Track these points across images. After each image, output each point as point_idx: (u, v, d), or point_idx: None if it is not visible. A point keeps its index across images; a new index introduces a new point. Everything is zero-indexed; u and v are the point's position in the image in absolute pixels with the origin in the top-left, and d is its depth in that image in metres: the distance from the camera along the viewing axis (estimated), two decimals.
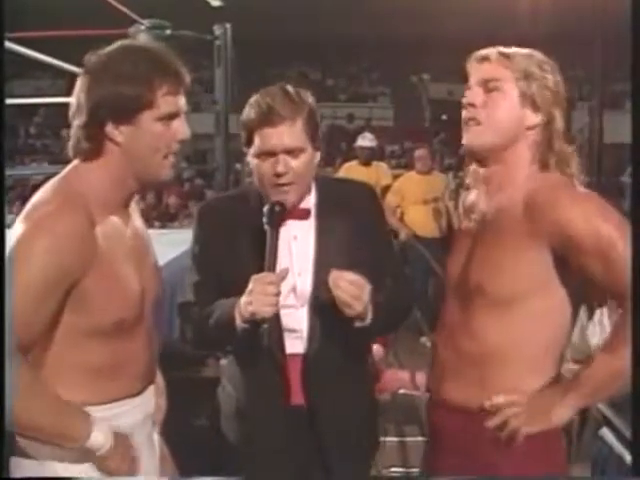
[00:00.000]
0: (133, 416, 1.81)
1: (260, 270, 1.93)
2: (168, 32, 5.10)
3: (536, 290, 1.80)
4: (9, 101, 2.30)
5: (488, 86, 1.84)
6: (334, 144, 17.65)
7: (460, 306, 1.90)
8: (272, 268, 1.93)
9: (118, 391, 1.77)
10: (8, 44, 2.63)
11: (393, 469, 3.93)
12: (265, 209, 2.01)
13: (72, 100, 1.71)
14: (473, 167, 1.94)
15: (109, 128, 1.67)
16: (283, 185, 2.02)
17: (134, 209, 1.89)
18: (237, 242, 2.09)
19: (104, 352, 1.72)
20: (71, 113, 1.71)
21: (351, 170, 7.90)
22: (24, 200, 1.71)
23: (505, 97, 1.83)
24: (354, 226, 2.11)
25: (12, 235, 1.60)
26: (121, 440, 1.73)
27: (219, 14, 8.15)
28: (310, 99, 2.09)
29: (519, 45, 1.89)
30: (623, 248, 1.68)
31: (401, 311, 2.23)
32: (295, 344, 2.10)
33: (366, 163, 7.93)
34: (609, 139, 11.51)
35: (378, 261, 2.12)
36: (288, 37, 20.51)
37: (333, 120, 19.93)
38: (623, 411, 2.43)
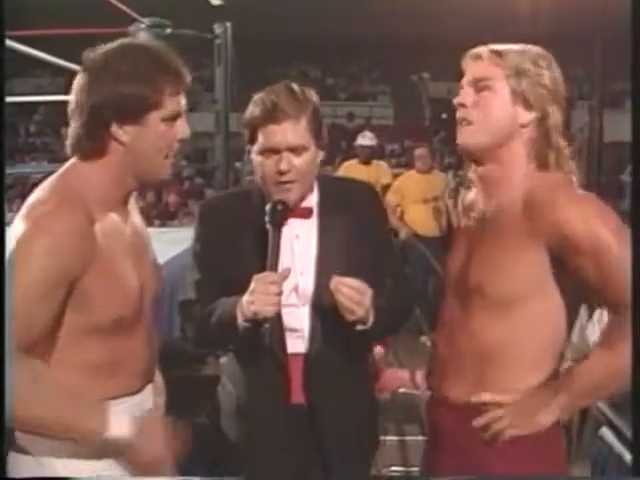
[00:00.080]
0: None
1: (262, 269, 1.93)
2: (168, 31, 5.10)
3: (535, 290, 1.80)
4: (9, 99, 2.30)
5: (479, 85, 1.83)
6: (334, 143, 17.65)
7: (459, 305, 1.90)
8: (274, 267, 1.93)
9: (117, 389, 1.76)
10: (8, 42, 2.63)
11: (393, 468, 3.92)
12: (267, 208, 2.01)
13: (71, 98, 1.70)
14: (473, 166, 1.94)
15: (114, 128, 1.67)
16: (286, 183, 2.02)
17: (133, 206, 1.88)
18: (239, 240, 2.09)
19: (103, 350, 1.72)
20: (70, 111, 1.70)
21: (351, 169, 7.90)
22: (24, 198, 1.71)
23: (496, 96, 1.81)
24: (356, 225, 2.11)
25: (11, 235, 1.59)
26: (149, 425, 1.71)
27: (219, 13, 8.15)
28: (315, 98, 2.08)
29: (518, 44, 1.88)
30: (619, 253, 1.67)
31: (402, 313, 2.23)
32: (296, 343, 2.09)
33: (366, 162, 7.93)
34: (609, 138, 11.51)
35: (379, 261, 2.12)
36: (288, 36, 20.50)
37: (333, 119, 19.93)
38: (623, 411, 2.43)
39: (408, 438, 4.32)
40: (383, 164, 8.64)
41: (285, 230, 2.01)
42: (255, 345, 2.02)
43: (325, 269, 2.02)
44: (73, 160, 1.73)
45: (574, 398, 1.78)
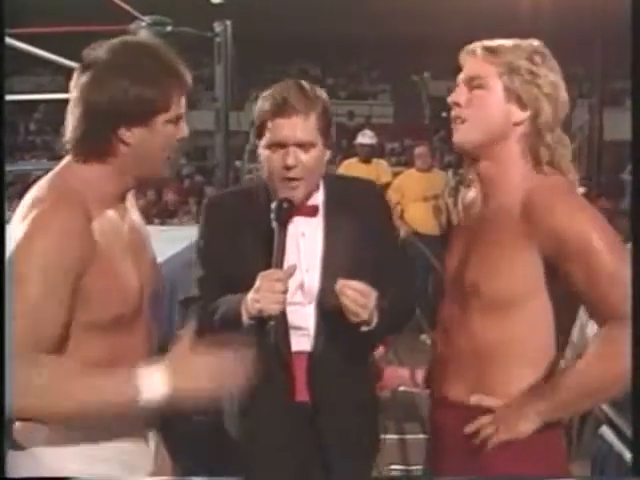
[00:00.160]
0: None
1: (266, 267, 1.92)
2: (168, 29, 5.11)
3: (531, 291, 1.78)
4: (9, 97, 2.29)
5: (472, 84, 1.82)
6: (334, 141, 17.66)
7: (457, 304, 1.89)
8: (280, 265, 1.93)
9: None
10: (8, 40, 2.62)
11: (393, 467, 3.92)
12: (273, 205, 2.01)
13: (72, 96, 1.68)
14: (470, 165, 1.93)
15: (121, 130, 1.66)
16: (292, 180, 2.02)
17: (131, 203, 1.88)
18: (243, 238, 2.09)
19: (102, 347, 1.71)
20: (70, 109, 1.68)
21: (351, 167, 7.90)
22: (24, 196, 1.70)
23: (489, 94, 1.80)
24: (362, 226, 2.10)
25: (10, 236, 1.58)
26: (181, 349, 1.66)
27: (219, 11, 8.15)
28: (325, 96, 2.09)
29: None
30: (609, 263, 1.66)
31: (405, 313, 2.22)
32: (301, 341, 2.09)
33: (366, 160, 7.93)
34: (609, 136, 11.52)
35: (384, 261, 2.11)
36: (288, 35, 20.50)
37: (333, 117, 19.92)
38: (624, 409, 2.43)
39: (408, 436, 4.32)
40: (383, 163, 8.65)
41: (291, 228, 2.01)
42: (259, 343, 2.02)
43: (331, 268, 2.02)
44: (69, 158, 1.72)
45: (555, 407, 1.75)
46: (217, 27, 5.68)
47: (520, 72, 1.78)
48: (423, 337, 6.07)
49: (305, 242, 2.09)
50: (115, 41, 1.69)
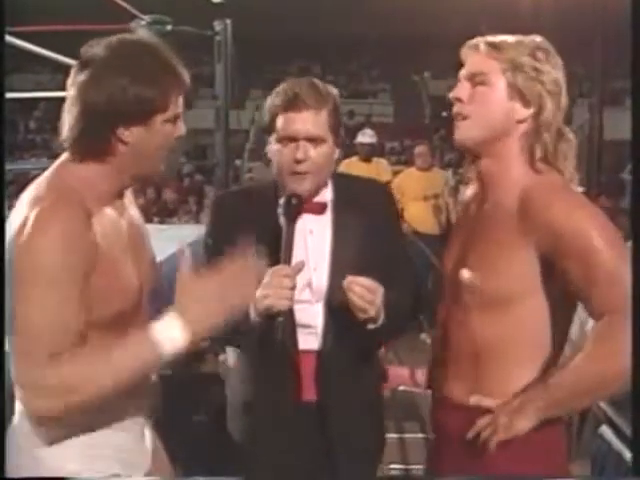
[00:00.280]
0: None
1: (274, 264, 1.91)
2: (169, 27, 5.10)
3: (530, 289, 1.77)
4: (9, 95, 2.29)
5: (475, 80, 1.81)
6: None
7: (456, 303, 1.88)
8: (288, 261, 1.93)
9: None
10: (8, 38, 2.62)
11: (392, 466, 3.92)
12: (282, 201, 2.01)
13: (69, 94, 1.67)
14: (470, 162, 1.93)
15: (120, 129, 1.66)
16: (301, 174, 2.02)
17: (129, 199, 1.87)
18: (250, 235, 2.07)
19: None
20: (68, 108, 1.67)
21: (351, 166, 7.88)
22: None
23: (492, 91, 1.79)
24: (370, 226, 2.10)
25: (12, 240, 1.57)
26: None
27: (219, 10, 8.14)
28: (336, 94, 2.10)
29: None
30: (608, 259, 1.65)
31: (411, 313, 2.21)
32: (308, 340, 2.09)
33: (366, 159, 7.91)
34: (609, 136, 11.50)
35: (391, 262, 2.11)
36: (288, 33, 20.50)
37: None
38: (624, 409, 2.43)
39: (408, 435, 4.32)
40: (383, 162, 8.63)
41: (299, 225, 2.01)
42: (266, 340, 2.01)
43: (339, 266, 2.01)
44: (66, 157, 1.72)
45: (553, 404, 1.74)
46: (217, 26, 5.68)
47: (524, 69, 1.77)
48: (423, 336, 6.07)
49: (313, 240, 2.09)
50: (113, 39, 1.68)
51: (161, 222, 9.01)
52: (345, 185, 2.18)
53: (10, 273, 1.56)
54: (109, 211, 1.73)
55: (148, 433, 1.92)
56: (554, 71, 1.80)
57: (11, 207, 1.67)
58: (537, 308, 1.79)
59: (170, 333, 1.57)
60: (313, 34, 21.02)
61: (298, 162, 2.01)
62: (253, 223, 2.07)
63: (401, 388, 4.27)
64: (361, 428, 2.15)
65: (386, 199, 2.23)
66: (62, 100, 1.71)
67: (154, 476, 1.90)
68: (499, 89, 1.79)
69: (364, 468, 2.21)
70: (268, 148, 2.09)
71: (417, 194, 7.51)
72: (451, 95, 1.85)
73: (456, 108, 1.84)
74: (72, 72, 1.68)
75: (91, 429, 1.73)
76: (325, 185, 2.12)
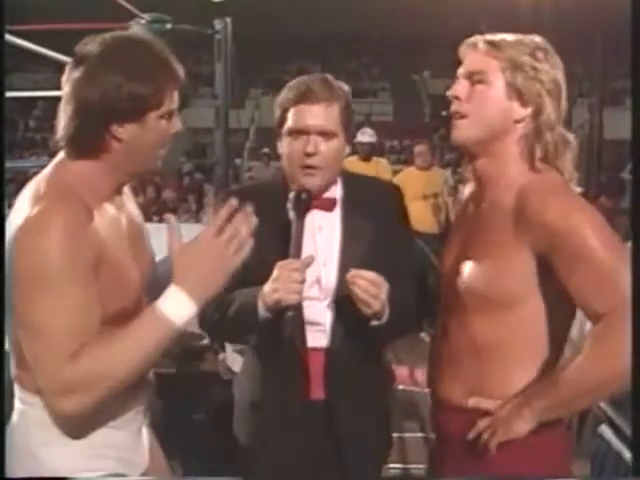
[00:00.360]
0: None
1: (283, 259, 1.91)
2: (168, 26, 5.09)
3: (527, 289, 1.76)
4: (8, 94, 2.28)
5: (474, 79, 1.80)
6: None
7: (455, 303, 1.87)
8: (297, 255, 1.92)
9: None
10: (8, 37, 2.62)
11: (392, 465, 3.92)
12: (291, 196, 2.01)
13: (64, 92, 1.67)
14: (468, 161, 1.92)
15: (114, 126, 1.65)
16: (311, 168, 2.02)
17: (127, 195, 1.87)
18: (260, 230, 2.05)
19: None
20: (63, 106, 1.67)
21: (351, 165, 7.82)
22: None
23: (490, 89, 1.78)
24: (379, 224, 2.10)
25: (13, 241, 1.57)
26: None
27: (219, 9, 8.14)
28: (347, 90, 2.11)
29: None
30: (604, 260, 1.64)
31: (416, 312, 2.19)
32: (317, 337, 2.08)
33: (366, 158, 7.90)
34: (609, 135, 11.53)
35: (399, 261, 2.09)
36: (288, 32, 20.51)
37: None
38: (624, 409, 2.43)
39: (407, 435, 4.32)
40: (383, 161, 8.63)
41: (308, 221, 2.00)
42: (275, 337, 2.01)
43: (348, 263, 2.00)
44: (62, 156, 1.71)
45: (552, 405, 1.73)
46: (217, 24, 5.66)
47: (523, 68, 1.76)
48: (422, 335, 6.07)
49: (322, 236, 2.08)
50: (107, 36, 1.68)
51: (161, 221, 9.00)
52: (354, 183, 2.17)
53: (10, 273, 1.56)
54: (108, 207, 1.73)
55: (145, 431, 1.92)
56: (553, 70, 1.79)
57: (10, 206, 1.66)
58: (537, 309, 1.78)
59: (177, 304, 1.57)
60: (313, 33, 21.04)
61: (308, 155, 2.01)
62: (263, 218, 2.05)
63: (400, 387, 4.27)
64: (368, 427, 2.14)
65: (395, 198, 2.22)
66: (61, 99, 1.70)
67: (152, 474, 1.90)
68: (498, 88, 1.78)
69: (371, 467, 2.21)
70: (279, 142, 2.09)
71: (417, 193, 7.50)
72: (449, 93, 1.84)
73: (454, 106, 1.83)
74: (66, 69, 1.68)
75: (92, 429, 1.73)
76: (334, 182, 2.12)
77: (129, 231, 1.79)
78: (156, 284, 1.80)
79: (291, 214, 1.99)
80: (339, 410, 2.09)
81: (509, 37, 1.81)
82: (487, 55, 1.79)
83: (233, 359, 3.46)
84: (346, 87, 2.12)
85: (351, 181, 2.17)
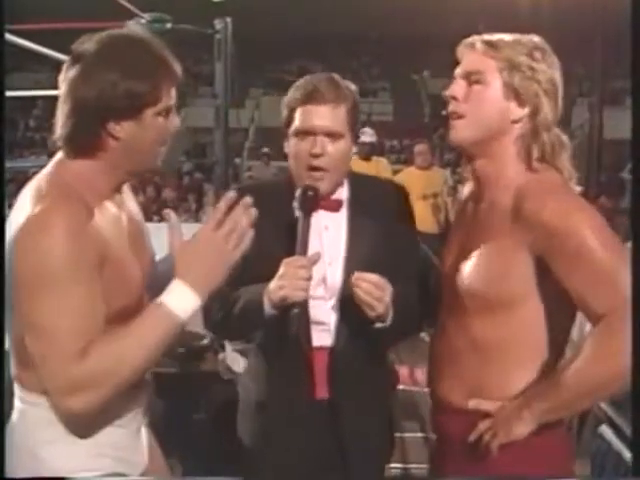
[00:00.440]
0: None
1: (289, 256, 1.91)
2: (169, 26, 5.09)
3: (526, 289, 1.76)
4: (9, 94, 2.28)
5: (471, 79, 1.79)
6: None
7: (455, 303, 1.87)
8: (304, 253, 1.92)
9: None
10: (8, 36, 2.62)
11: (392, 465, 3.92)
12: (297, 193, 2.00)
13: (61, 91, 1.67)
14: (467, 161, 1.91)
15: (110, 124, 1.65)
16: (317, 170, 2.01)
17: (127, 193, 1.87)
18: (266, 228, 2.02)
19: None
20: (60, 104, 1.67)
21: (351, 165, 7.87)
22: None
23: (487, 90, 1.78)
24: (385, 225, 2.09)
25: (14, 241, 1.56)
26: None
27: (219, 8, 8.14)
28: (355, 90, 2.10)
29: None
30: (603, 260, 1.63)
31: (420, 314, 2.17)
32: (322, 337, 2.07)
33: (366, 158, 7.89)
34: (609, 135, 11.53)
35: (404, 263, 2.09)
36: (288, 32, 20.51)
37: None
38: (624, 409, 2.43)
39: (407, 435, 4.31)
40: (383, 160, 8.62)
41: (314, 221, 1.99)
42: (280, 335, 2.01)
43: (353, 263, 2.00)
44: (61, 155, 1.71)
45: (553, 407, 1.73)
46: (217, 24, 5.66)
47: (521, 68, 1.76)
48: (422, 335, 6.06)
49: (328, 235, 2.08)
50: (103, 34, 1.68)
51: (161, 220, 9.00)
52: (361, 183, 2.17)
53: (10, 273, 1.56)
54: (109, 206, 1.73)
55: (144, 431, 1.92)
56: (550, 70, 1.79)
57: (11, 206, 1.66)
58: (537, 309, 1.78)
59: (180, 298, 1.58)
60: (313, 33, 21.03)
61: (315, 156, 2.00)
62: (269, 216, 2.05)
63: (400, 387, 4.26)
64: (372, 427, 2.14)
65: (401, 199, 2.22)
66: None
67: (150, 474, 1.90)
68: (495, 88, 1.78)
69: (374, 467, 2.20)
70: (285, 143, 2.08)
71: (416, 193, 7.49)
72: (446, 93, 1.84)
73: (451, 107, 1.83)
74: (63, 68, 1.68)
75: (99, 427, 1.73)
76: (341, 183, 2.11)
77: (130, 229, 1.79)
78: (156, 283, 1.80)
79: (297, 212, 1.98)
80: (343, 410, 2.08)
81: (507, 37, 1.81)
82: (484, 55, 1.79)
83: (233, 359, 3.46)
84: (353, 87, 2.11)
85: (357, 182, 2.16)
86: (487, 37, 1.81)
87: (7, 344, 1.69)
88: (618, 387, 1.66)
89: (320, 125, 2.01)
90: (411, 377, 4.39)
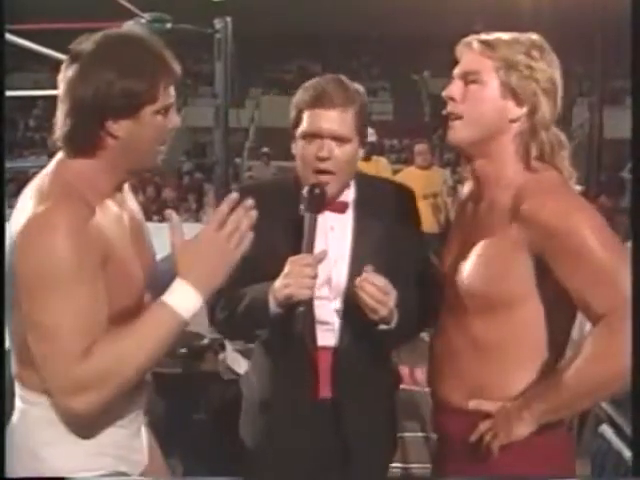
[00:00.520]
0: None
1: (295, 255, 1.91)
2: (169, 25, 5.09)
3: (526, 289, 1.76)
4: (9, 93, 2.28)
5: (468, 79, 1.79)
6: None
7: (455, 303, 1.87)
8: (310, 251, 1.91)
9: None
10: (8, 36, 2.62)
11: (392, 465, 3.91)
12: (304, 191, 1.99)
13: (60, 90, 1.67)
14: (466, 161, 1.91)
15: (109, 123, 1.64)
16: (324, 173, 2.00)
17: (127, 192, 1.87)
18: (272, 227, 2.00)
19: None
20: (59, 104, 1.67)
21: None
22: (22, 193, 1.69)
23: (484, 89, 1.78)
24: (390, 227, 2.09)
25: (16, 241, 1.56)
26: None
27: (220, 8, 8.14)
28: (363, 92, 2.09)
29: None
30: (603, 259, 1.63)
31: (424, 317, 2.18)
32: (326, 336, 2.07)
33: (366, 158, 7.88)
34: (609, 135, 11.52)
35: (409, 264, 2.08)
36: (288, 31, 20.50)
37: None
38: (624, 408, 2.43)
39: (407, 434, 4.31)
40: (383, 160, 8.63)
41: (320, 221, 1.98)
42: (285, 333, 2.00)
43: (358, 264, 1.98)
44: (62, 155, 1.71)
45: (553, 408, 1.73)
46: (217, 24, 5.67)
47: (518, 67, 1.75)
48: (422, 335, 6.06)
49: (334, 236, 2.08)
50: (100, 34, 1.68)
51: (161, 220, 8.99)
52: (367, 185, 2.16)
53: (11, 273, 1.56)
54: (110, 204, 1.73)
55: (144, 430, 1.92)
56: (549, 69, 1.78)
57: (11, 206, 1.66)
58: (537, 309, 1.78)
59: (183, 297, 1.58)
60: (313, 33, 21.03)
61: (322, 160, 2.00)
62: (276, 215, 2.03)
63: (401, 387, 4.26)
64: (375, 428, 2.14)
65: (407, 200, 2.22)
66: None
67: (150, 473, 1.90)
68: (492, 88, 1.78)
69: (376, 468, 2.20)
70: (293, 144, 2.08)
71: (417, 192, 7.47)
72: (444, 93, 1.84)
73: (449, 107, 1.82)
74: (62, 68, 1.68)
75: (101, 428, 1.73)
76: (348, 185, 2.11)
77: (131, 228, 1.79)
78: (157, 283, 1.80)
79: (304, 210, 1.98)
80: (346, 410, 2.08)
81: (504, 36, 1.80)
82: (481, 55, 1.79)
83: (233, 359, 3.46)
84: (362, 89, 2.10)
85: (364, 183, 2.16)
86: (484, 36, 1.81)
87: (7, 343, 1.68)
88: (618, 387, 1.66)
89: (327, 129, 2.00)
90: (411, 377, 4.38)
